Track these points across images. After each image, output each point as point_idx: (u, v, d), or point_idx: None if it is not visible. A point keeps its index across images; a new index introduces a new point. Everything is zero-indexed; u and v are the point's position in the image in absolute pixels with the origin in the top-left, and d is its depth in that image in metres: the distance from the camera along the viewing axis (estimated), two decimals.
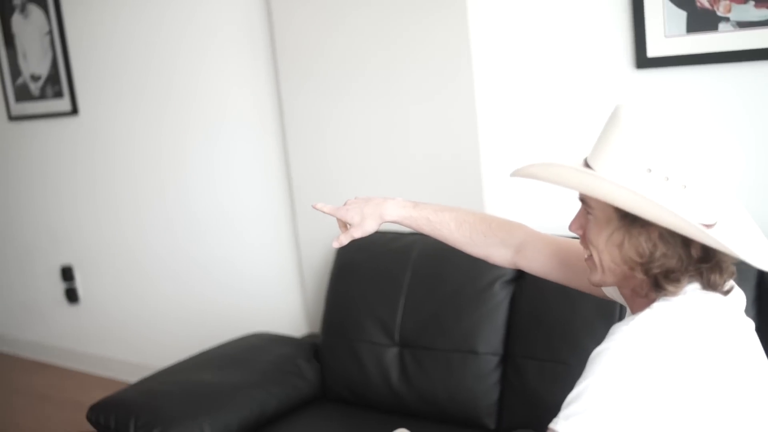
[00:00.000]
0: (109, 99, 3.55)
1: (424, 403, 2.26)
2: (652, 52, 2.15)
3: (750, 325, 1.26)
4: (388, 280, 2.39)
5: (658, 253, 1.16)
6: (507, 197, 2.48)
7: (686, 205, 1.13)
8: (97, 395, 2.98)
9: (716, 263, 1.18)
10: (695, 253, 1.17)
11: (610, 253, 1.22)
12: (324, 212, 1.67)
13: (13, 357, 4.48)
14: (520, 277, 2.25)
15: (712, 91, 2.10)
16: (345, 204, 1.65)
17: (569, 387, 1.98)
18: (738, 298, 1.29)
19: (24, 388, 3.99)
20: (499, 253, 1.61)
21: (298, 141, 2.80)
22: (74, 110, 3.69)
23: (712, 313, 1.18)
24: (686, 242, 1.16)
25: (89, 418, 2.31)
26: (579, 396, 1.13)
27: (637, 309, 1.27)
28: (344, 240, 1.62)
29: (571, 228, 1.31)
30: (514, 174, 1.29)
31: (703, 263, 1.17)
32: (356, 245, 2.52)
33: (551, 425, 1.14)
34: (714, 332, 1.16)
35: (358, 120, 2.64)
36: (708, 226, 1.16)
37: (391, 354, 2.34)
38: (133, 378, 3.67)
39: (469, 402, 2.18)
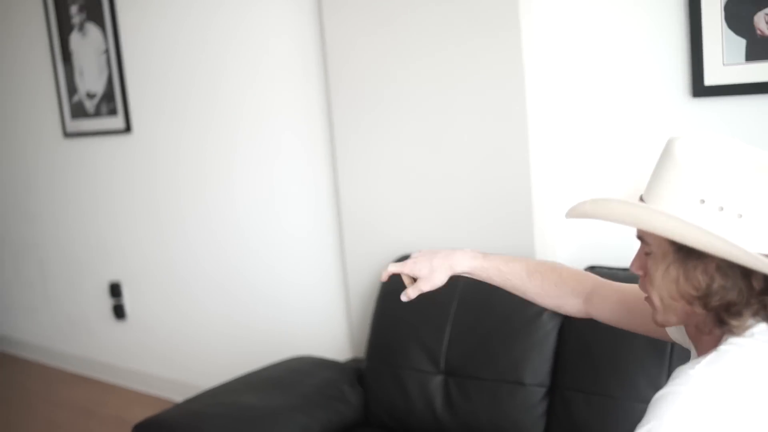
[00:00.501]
0: (161, 118, 3.60)
1: None
2: (709, 80, 2.11)
3: None
4: (434, 308, 2.36)
5: (715, 286, 1.13)
6: (558, 234, 2.44)
7: (743, 234, 1.11)
8: (139, 411, 3.00)
9: None
10: (757, 284, 1.13)
11: (667, 289, 1.19)
12: (392, 272, 1.64)
13: (58, 370, 4.53)
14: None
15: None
16: (411, 257, 1.64)
17: (616, 421, 1.95)
18: None
19: (67, 402, 4.03)
20: (570, 303, 1.61)
21: (348, 164, 2.80)
22: (128, 128, 3.74)
23: None
24: (746, 273, 1.13)
25: None
26: None
27: (702, 349, 1.24)
28: (412, 294, 1.61)
29: (631, 268, 1.29)
30: (568, 215, 1.28)
31: (765, 295, 1.14)
32: None
33: None
34: None
35: (409, 149, 2.62)
36: None
37: (436, 382, 2.30)
38: (175, 395, 3.69)
39: (514, 430, 2.14)
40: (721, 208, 1.11)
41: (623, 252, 2.28)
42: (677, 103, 2.18)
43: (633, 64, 2.24)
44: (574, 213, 1.27)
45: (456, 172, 2.53)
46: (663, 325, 1.28)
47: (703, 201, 1.12)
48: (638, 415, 1.91)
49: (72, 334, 4.44)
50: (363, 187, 2.77)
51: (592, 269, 2.23)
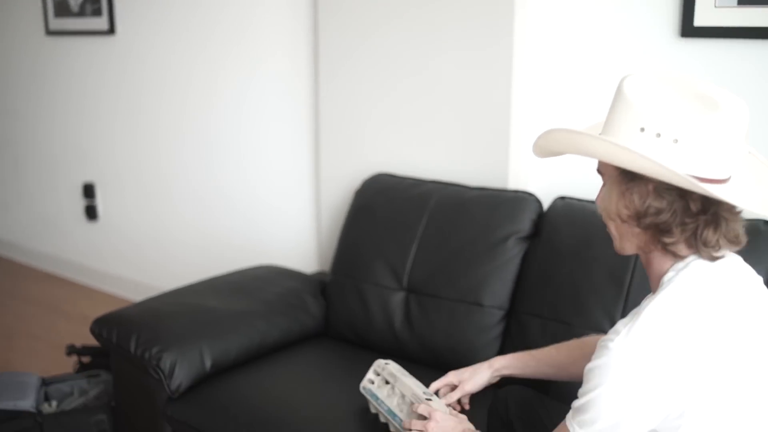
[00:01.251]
0: (146, 21, 3.53)
1: (425, 349, 2.25)
2: (699, 21, 2.09)
3: (756, 282, 1.30)
4: (403, 226, 2.37)
5: (647, 206, 1.21)
6: (532, 165, 2.44)
7: (678, 158, 1.16)
8: (106, 311, 3.01)
9: (714, 215, 1.20)
10: (694, 206, 1.20)
11: (608, 210, 1.28)
12: (436, 389, 1.78)
13: (29, 267, 4.54)
14: (535, 235, 2.22)
15: (759, 66, 2.03)
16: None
17: None
18: (741, 269, 1.30)
19: (37, 299, 4.05)
20: None
21: (329, 78, 2.76)
22: (111, 29, 3.67)
23: (712, 296, 1.21)
24: (683, 195, 1.19)
25: (92, 331, 2.32)
26: (590, 404, 1.20)
27: (652, 282, 1.32)
28: (455, 395, 1.74)
29: (596, 201, 1.35)
30: (533, 151, 1.39)
31: (701, 215, 1.20)
32: (375, 188, 2.53)
33: (567, 423, 1.26)
34: (708, 319, 1.19)
35: (392, 71, 2.59)
36: (714, 180, 1.18)
37: (397, 298, 2.32)
38: (142, 298, 3.70)
39: (469, 353, 2.16)
40: (659, 135, 1.17)
41: (591, 186, 2.29)
42: (665, 43, 2.16)
43: (622, 1, 2.20)
44: (536, 150, 1.38)
45: (437, 96, 2.51)
46: (621, 253, 1.33)
47: (642, 129, 1.18)
48: None
49: (44, 232, 4.43)
50: (343, 104, 2.75)
51: (562, 199, 2.23)
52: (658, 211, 1.20)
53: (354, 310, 2.40)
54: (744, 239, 1.24)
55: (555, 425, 1.58)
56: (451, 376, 1.76)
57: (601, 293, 1.99)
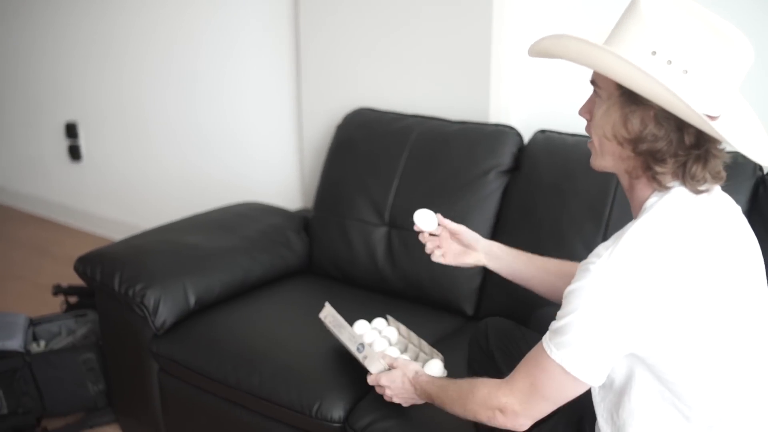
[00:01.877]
0: None
1: (407, 284, 2.27)
2: None
3: (736, 213, 1.30)
4: (384, 160, 2.36)
5: (647, 132, 1.18)
6: (512, 98, 2.43)
7: (685, 89, 1.13)
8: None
9: (705, 152, 1.19)
10: (688, 139, 1.18)
11: (603, 128, 1.24)
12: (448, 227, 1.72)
13: (13, 209, 4.52)
14: (515, 168, 2.22)
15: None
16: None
17: None
18: (723, 200, 1.30)
19: (21, 240, 4.05)
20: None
21: (310, 15, 2.72)
22: None
23: (693, 223, 1.21)
24: (680, 126, 1.17)
25: (76, 269, 2.33)
26: (568, 327, 1.19)
27: (633, 206, 1.31)
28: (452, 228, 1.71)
29: (580, 112, 1.32)
30: (529, 52, 1.32)
31: (694, 149, 1.18)
32: (356, 123, 2.51)
33: (544, 344, 1.24)
34: (688, 245, 1.19)
35: (373, 6, 2.55)
36: (712, 117, 1.17)
37: (380, 233, 2.33)
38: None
39: (450, 287, 2.19)
40: (670, 62, 1.14)
41: (572, 119, 2.29)
42: None
43: None
44: (533, 49, 1.30)
45: (417, 30, 2.48)
46: (598, 169, 1.31)
47: (654, 53, 1.15)
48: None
49: (27, 173, 4.40)
50: (324, 39, 2.71)
51: (542, 133, 2.23)
52: (656, 139, 1.18)
53: (337, 246, 2.41)
54: (724, 175, 1.24)
55: None
56: (462, 230, 1.72)
57: (580, 226, 2.00)
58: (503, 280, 2.04)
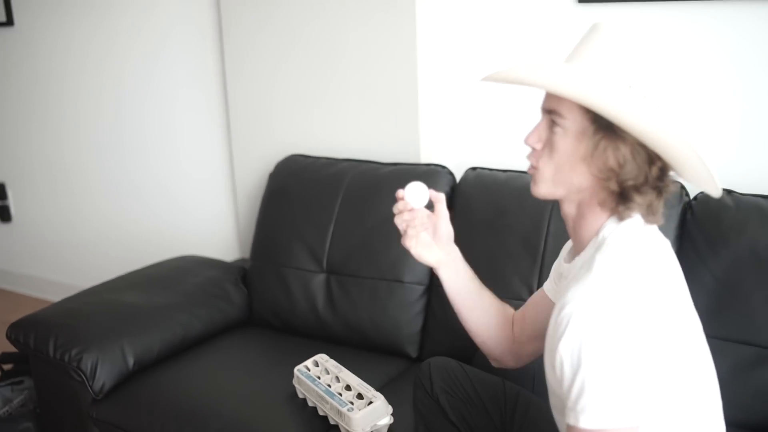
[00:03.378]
0: (46, 11, 3.40)
1: (349, 330, 2.26)
2: None
3: (668, 244, 1.31)
4: (319, 206, 2.36)
5: (628, 166, 1.17)
6: (443, 137, 2.45)
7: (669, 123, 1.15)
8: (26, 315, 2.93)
9: (665, 186, 1.21)
10: (654, 172, 1.19)
11: (577, 164, 1.21)
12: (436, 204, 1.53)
13: None
14: (449, 207, 2.22)
15: (655, 28, 2.08)
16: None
17: None
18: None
19: None
20: (503, 332, 1.60)
21: (237, 63, 2.72)
22: (9, 21, 3.53)
23: (652, 243, 1.23)
24: (650, 160, 1.18)
25: (9, 336, 2.26)
26: (585, 386, 1.10)
27: (580, 237, 1.29)
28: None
29: (528, 140, 1.27)
30: (489, 78, 1.26)
31: (659, 182, 1.20)
32: (288, 170, 2.51)
33: (570, 423, 1.13)
34: (656, 261, 1.21)
35: (299, 52, 2.57)
36: None
37: (318, 280, 2.32)
38: (62, 299, 3.62)
39: (393, 330, 2.19)
40: (630, 86, 1.15)
41: (502, 155, 2.33)
42: (563, 9, 2.19)
43: None
44: (498, 76, 1.25)
45: (344, 74, 2.50)
46: (542, 197, 1.29)
47: (630, 86, 1.15)
48: (510, 313, 1.97)
49: None
50: (252, 88, 2.71)
51: (473, 170, 2.25)
52: (637, 170, 1.17)
53: (276, 295, 2.39)
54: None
55: (480, 397, 1.60)
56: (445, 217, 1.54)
57: (516, 262, 2.03)
58: (446, 319, 2.05)
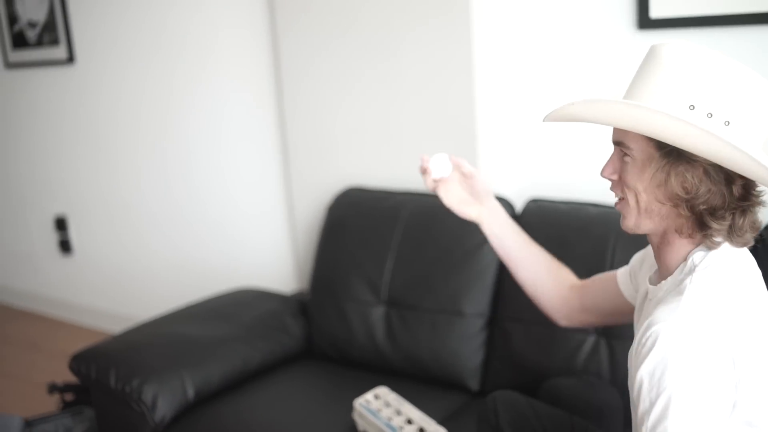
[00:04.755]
0: (106, 48, 3.49)
1: (409, 362, 2.24)
2: (655, 12, 2.09)
3: (758, 272, 1.27)
4: (377, 239, 2.35)
5: (702, 190, 1.16)
6: (502, 168, 2.43)
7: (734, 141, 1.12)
8: (85, 345, 2.98)
9: (751, 204, 1.19)
10: (736, 191, 1.17)
11: (653, 193, 1.20)
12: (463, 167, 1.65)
13: (4, 306, 4.47)
14: None
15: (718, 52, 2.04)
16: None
17: (554, 351, 1.97)
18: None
19: (14, 337, 3.99)
20: (561, 279, 1.68)
21: (295, 97, 2.75)
22: (71, 59, 3.63)
23: (744, 273, 1.20)
24: (729, 180, 1.16)
25: (71, 367, 2.29)
26: (668, 408, 1.08)
27: (666, 263, 1.27)
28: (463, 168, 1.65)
29: (604, 173, 1.28)
30: (549, 118, 1.26)
31: (743, 201, 1.17)
32: (347, 203, 2.52)
33: None
34: (747, 293, 1.18)
35: (356, 83, 2.58)
36: None
37: (378, 313, 2.31)
38: (121, 330, 3.66)
39: (453, 363, 2.16)
40: (710, 115, 1.13)
41: (564, 185, 2.30)
42: (622, 36, 2.17)
43: None
44: (558, 115, 1.25)
45: (401, 104, 2.50)
46: (633, 231, 1.28)
47: (692, 107, 1.13)
48: (575, 344, 1.95)
49: (18, 269, 4.37)
50: (309, 119, 2.73)
51: (534, 202, 2.23)
52: (712, 195, 1.16)
53: (335, 328, 2.38)
54: (760, 224, 1.23)
55: (546, 430, 1.57)
56: (476, 176, 1.65)
57: None
58: (508, 353, 2.02)
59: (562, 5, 2.24)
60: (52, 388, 2.74)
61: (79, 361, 2.28)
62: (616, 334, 1.92)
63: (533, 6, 2.28)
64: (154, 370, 2.15)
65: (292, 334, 2.45)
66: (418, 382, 2.21)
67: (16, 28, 3.85)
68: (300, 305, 2.56)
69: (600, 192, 2.19)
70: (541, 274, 1.65)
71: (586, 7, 2.20)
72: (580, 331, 1.93)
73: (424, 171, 1.62)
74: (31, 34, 3.78)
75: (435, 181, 1.63)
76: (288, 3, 2.66)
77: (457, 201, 1.64)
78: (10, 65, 3.95)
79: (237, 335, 2.34)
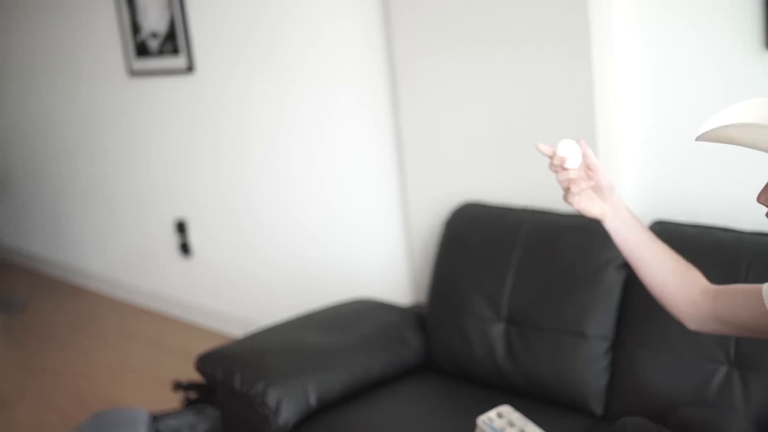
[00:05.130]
0: (225, 58, 3.61)
1: (529, 382, 2.23)
2: None
3: None
4: (496, 255, 2.35)
5: None
6: (622, 188, 2.39)
7: None
8: (203, 345, 3.09)
9: None
10: None
11: None
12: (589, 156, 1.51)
13: (127, 303, 4.68)
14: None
15: None
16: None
17: (683, 380, 1.93)
18: None
19: (138, 334, 4.17)
20: (691, 286, 1.58)
21: (411, 107, 2.78)
22: (190, 68, 3.77)
23: None
24: None
25: (198, 367, 2.38)
26: None
27: None
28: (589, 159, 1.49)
29: (760, 199, 1.23)
30: (702, 138, 1.21)
31: None
32: (465, 217, 2.52)
33: None
34: None
35: (472, 98, 2.59)
36: None
37: (498, 330, 2.31)
38: (237, 331, 3.79)
39: (576, 385, 2.13)
40: None
41: (691, 206, 2.25)
42: (749, 56, 2.10)
43: (703, 12, 2.16)
44: (711, 136, 1.20)
45: (519, 121, 2.49)
46: None
47: None
48: (705, 374, 1.89)
49: (140, 268, 4.57)
50: (426, 133, 2.76)
51: (659, 224, 2.19)
52: None
53: (454, 343, 2.39)
54: None
55: None
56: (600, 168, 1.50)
57: None
58: (634, 378, 1.99)
59: (685, 23, 2.19)
60: (177, 386, 2.86)
61: (205, 362, 2.37)
62: (751, 365, 1.86)
63: (652, 29, 2.25)
64: (279, 374, 2.22)
65: (411, 346, 2.48)
66: (539, 403, 2.19)
67: (139, 38, 4.03)
68: (418, 318, 2.59)
69: (729, 216, 2.16)
70: (666, 274, 1.58)
71: (710, 25, 2.15)
72: (710, 360, 1.88)
73: (561, 161, 1.48)
74: (153, 44, 3.95)
75: (565, 170, 1.48)
76: (405, 16, 2.70)
77: (581, 198, 1.53)
78: (134, 73, 4.13)
79: (357, 345, 2.39)
